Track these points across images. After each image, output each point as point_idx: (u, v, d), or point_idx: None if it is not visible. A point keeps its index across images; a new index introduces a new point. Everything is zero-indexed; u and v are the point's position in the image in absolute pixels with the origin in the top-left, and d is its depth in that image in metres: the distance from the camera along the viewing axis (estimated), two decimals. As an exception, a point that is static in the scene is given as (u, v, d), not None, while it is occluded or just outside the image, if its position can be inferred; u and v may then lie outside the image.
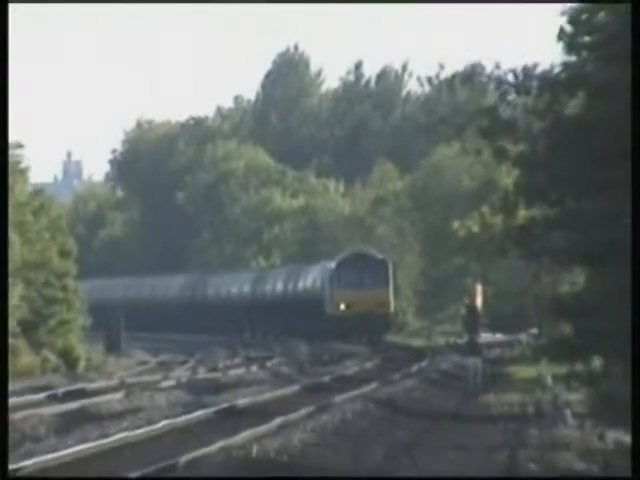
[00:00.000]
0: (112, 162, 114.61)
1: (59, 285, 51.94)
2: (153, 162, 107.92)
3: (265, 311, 70.16)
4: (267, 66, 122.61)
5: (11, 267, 46.85)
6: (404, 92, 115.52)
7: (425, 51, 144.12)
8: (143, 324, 73.96)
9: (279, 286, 71.55)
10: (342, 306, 62.89)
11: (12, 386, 39.06)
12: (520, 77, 15.12)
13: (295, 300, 67.78)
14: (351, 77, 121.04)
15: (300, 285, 68.86)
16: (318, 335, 60.41)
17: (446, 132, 49.64)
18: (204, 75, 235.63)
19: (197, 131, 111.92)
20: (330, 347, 55.99)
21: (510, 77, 14.43)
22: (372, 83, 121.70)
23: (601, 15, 14.90)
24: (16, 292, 47.13)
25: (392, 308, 66.96)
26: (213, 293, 77.77)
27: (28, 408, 28.80)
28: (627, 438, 17.81)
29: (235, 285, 77.75)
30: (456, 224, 62.57)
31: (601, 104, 13.62)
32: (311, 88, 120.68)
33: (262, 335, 63.99)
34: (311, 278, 68.64)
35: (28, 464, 18.52)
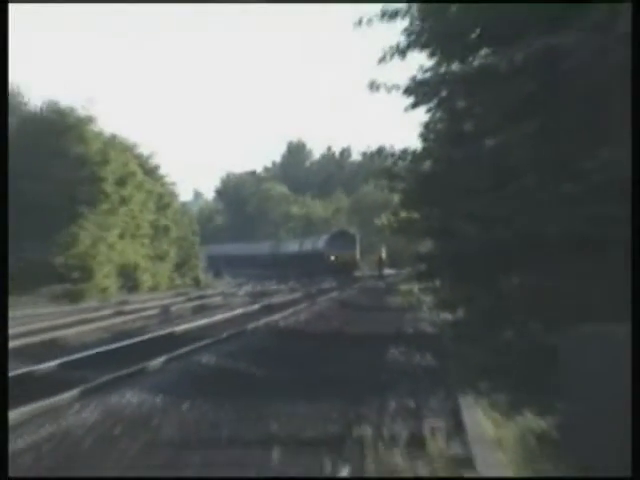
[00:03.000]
0: (217, 192, 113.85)
1: (192, 248, 50.85)
2: (234, 192, 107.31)
3: (302, 260, 67.62)
4: (283, 146, 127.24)
5: (170, 240, 47.08)
6: (350, 160, 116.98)
7: (362, 136, 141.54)
8: (243, 267, 71.80)
9: (308, 247, 69.53)
10: (332, 258, 61.19)
11: (169, 293, 39.05)
12: (402, 152, 15.25)
13: (313, 255, 64.98)
14: (325, 152, 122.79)
15: (315, 247, 66.71)
16: (321, 273, 57.57)
17: (368, 178, 49.55)
18: (254, 144, 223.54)
19: (253, 178, 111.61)
20: (317, 277, 53.56)
21: (397, 151, 14.78)
22: (337, 156, 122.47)
23: (439, 125, 15.29)
24: (173, 251, 46.64)
25: (358, 258, 64.66)
26: (282, 251, 75.23)
27: (177, 304, 28.60)
28: (449, 317, 17.83)
29: (291, 247, 75.56)
30: (376, 219, 64.36)
31: (439, 166, 13.77)
32: (307, 158, 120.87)
33: (302, 272, 59.69)
34: (319, 244, 66.56)
35: (180, 328, 19.10)
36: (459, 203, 11.19)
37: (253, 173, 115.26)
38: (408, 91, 11.38)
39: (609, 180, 7.79)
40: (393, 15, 11.05)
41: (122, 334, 18.10)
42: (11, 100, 39.89)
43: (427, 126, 15.86)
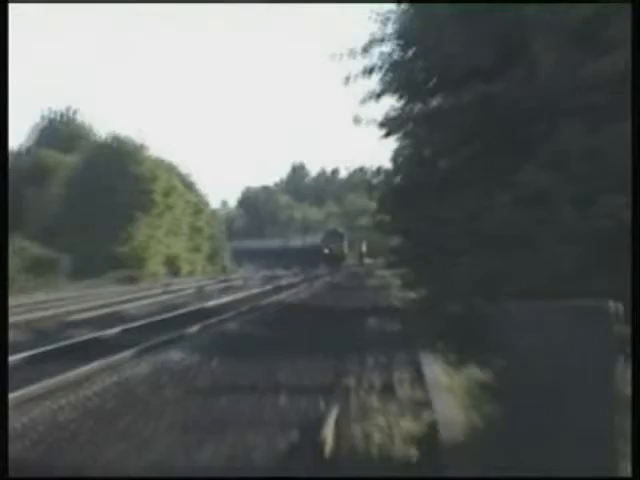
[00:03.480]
0: (239, 201, 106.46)
1: (220, 243, 50.28)
2: (252, 201, 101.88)
3: (303, 252, 63.50)
4: (288, 167, 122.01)
5: (203, 237, 46.79)
6: (339, 177, 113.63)
7: (348, 159, 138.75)
8: (259, 258, 66.13)
9: (308, 242, 66.79)
10: (326, 250, 58.54)
11: (202, 277, 38.05)
12: (378, 170, 15.45)
13: (312, 248, 61.69)
14: (320, 171, 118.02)
15: (313, 242, 63.62)
16: (317, 262, 54.83)
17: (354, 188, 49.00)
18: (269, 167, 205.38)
19: (266, 191, 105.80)
20: (314, 265, 51.30)
21: (375, 169, 15.08)
22: (328, 174, 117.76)
23: (405, 151, 14.59)
24: (206, 246, 46.21)
25: (346, 251, 62.14)
26: (290, 245, 71.12)
27: (209, 285, 28.24)
28: (413, 294, 16.93)
29: (297, 242, 72.35)
30: (358, 221, 62.91)
31: (406, 181, 13.66)
32: (306, 176, 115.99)
33: (303, 262, 55.34)
34: (316, 240, 63.63)
35: (211, 303, 18.36)
36: (420, 209, 11.15)
37: (266, 187, 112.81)
38: (382, 124, 11.47)
39: (531, 190, 7.77)
40: (371, 71, 11.06)
41: (168, 307, 17.93)
42: (85, 134, 40.17)
43: (396, 151, 15.88)
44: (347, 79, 11.25)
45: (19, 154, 34.43)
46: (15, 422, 6.24)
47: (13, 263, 23.90)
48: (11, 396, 6.50)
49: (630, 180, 4.12)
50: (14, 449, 5.46)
